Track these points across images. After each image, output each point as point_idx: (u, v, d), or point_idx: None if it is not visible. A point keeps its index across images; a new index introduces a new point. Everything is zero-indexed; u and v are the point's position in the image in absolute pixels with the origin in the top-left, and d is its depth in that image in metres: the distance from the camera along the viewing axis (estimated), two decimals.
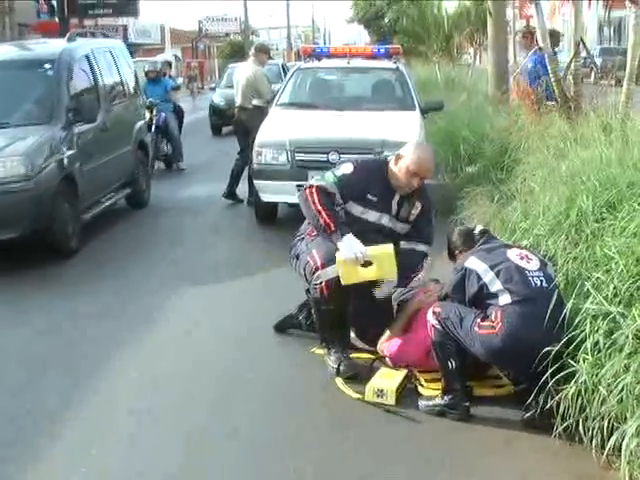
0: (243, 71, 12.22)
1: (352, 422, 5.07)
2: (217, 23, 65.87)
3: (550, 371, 4.43)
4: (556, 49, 11.14)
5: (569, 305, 4.65)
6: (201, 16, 66.10)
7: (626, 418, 3.98)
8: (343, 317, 5.71)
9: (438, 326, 5.00)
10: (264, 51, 12.59)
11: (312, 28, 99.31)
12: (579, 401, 4.29)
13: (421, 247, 5.89)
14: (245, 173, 11.76)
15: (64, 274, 8.40)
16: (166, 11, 61.15)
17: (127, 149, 11.42)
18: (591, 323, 4.40)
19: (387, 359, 5.67)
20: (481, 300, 4.94)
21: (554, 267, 5.30)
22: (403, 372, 5.41)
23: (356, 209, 5.73)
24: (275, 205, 10.46)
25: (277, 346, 6.31)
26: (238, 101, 12.17)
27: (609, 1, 9.34)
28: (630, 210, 5.30)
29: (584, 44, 10.72)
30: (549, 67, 10.25)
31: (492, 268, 4.95)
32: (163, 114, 15.54)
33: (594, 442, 4.18)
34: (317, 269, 5.52)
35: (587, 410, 4.25)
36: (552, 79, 10.13)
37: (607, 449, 4.04)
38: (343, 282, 5.40)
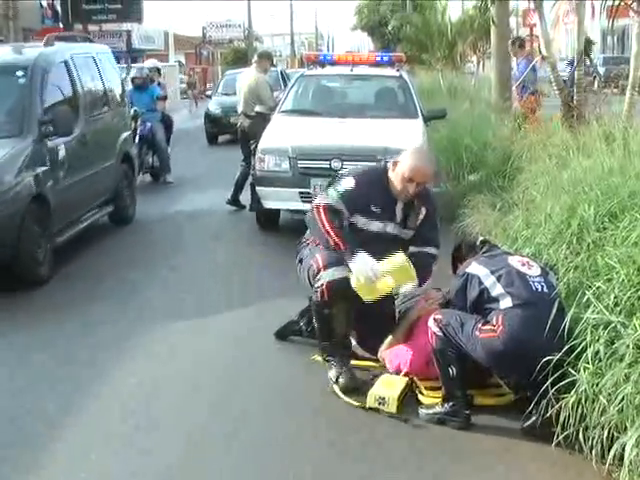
0: (245, 78, 12.23)
1: (352, 427, 5.07)
2: (221, 29, 65.89)
3: (551, 380, 4.43)
4: (591, 56, 11.21)
5: (570, 314, 4.65)
6: (205, 22, 66.19)
7: (626, 428, 3.98)
8: (344, 324, 5.67)
9: (439, 333, 5.00)
10: (267, 58, 12.61)
11: (316, 35, 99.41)
12: (579, 410, 4.29)
13: (430, 250, 5.90)
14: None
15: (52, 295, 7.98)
16: (170, 17, 61.42)
17: (110, 163, 10.57)
18: (592, 332, 4.40)
19: (388, 367, 5.66)
20: (482, 305, 4.95)
21: (555, 276, 5.30)
22: (405, 380, 5.40)
23: (360, 221, 5.72)
24: (277, 212, 10.46)
25: (277, 352, 6.31)
26: (240, 108, 12.19)
27: (613, 10, 9.31)
28: (632, 220, 5.29)
29: (587, 53, 10.72)
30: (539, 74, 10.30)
31: (493, 273, 4.97)
32: (149, 124, 14.56)
33: (594, 452, 4.17)
34: (319, 270, 5.51)
35: (587, 419, 4.25)
36: (555, 88, 10.14)
37: (608, 459, 4.04)
38: (365, 299, 5.40)
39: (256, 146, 10.77)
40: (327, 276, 5.47)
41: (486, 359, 4.88)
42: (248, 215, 11.19)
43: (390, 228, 5.80)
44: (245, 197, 11.73)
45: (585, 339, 4.40)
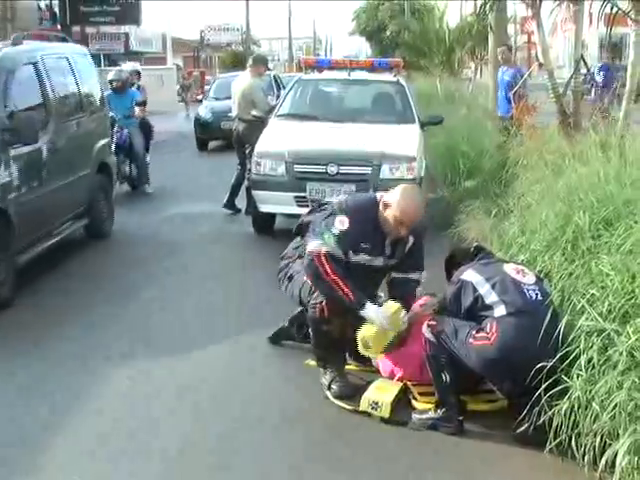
0: (240, 82, 12.20)
1: (344, 432, 5.08)
2: (219, 33, 66.03)
3: (544, 386, 4.43)
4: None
5: (564, 321, 4.66)
6: (203, 26, 66.30)
7: (619, 435, 3.98)
8: (341, 338, 5.61)
9: (433, 339, 5.00)
10: (262, 63, 12.52)
11: (314, 39, 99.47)
12: (572, 417, 4.29)
13: (413, 275, 5.87)
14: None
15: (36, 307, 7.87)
16: (168, 20, 61.19)
17: (84, 172, 9.76)
18: (585, 339, 4.41)
19: (382, 372, 5.66)
20: (476, 312, 4.95)
21: (550, 283, 5.31)
22: (398, 385, 5.41)
23: (349, 255, 5.59)
24: (273, 215, 10.47)
25: (271, 356, 6.32)
26: (235, 112, 12.18)
27: (611, 19, 9.33)
28: (627, 227, 5.31)
29: (584, 61, 10.75)
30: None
31: (488, 280, 4.97)
32: (125, 131, 13.71)
33: (586, 458, 4.17)
34: None
35: (580, 426, 4.25)
36: (551, 94, 10.16)
37: (600, 466, 4.04)
38: (374, 351, 5.40)
39: (251, 150, 10.79)
40: None
41: (479, 366, 4.88)
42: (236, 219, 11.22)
43: (378, 262, 5.73)
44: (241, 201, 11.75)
45: (579, 346, 4.41)
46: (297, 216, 9.62)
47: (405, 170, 9.68)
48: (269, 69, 21.33)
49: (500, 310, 4.84)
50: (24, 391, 5.67)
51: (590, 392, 4.22)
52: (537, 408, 4.49)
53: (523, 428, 4.69)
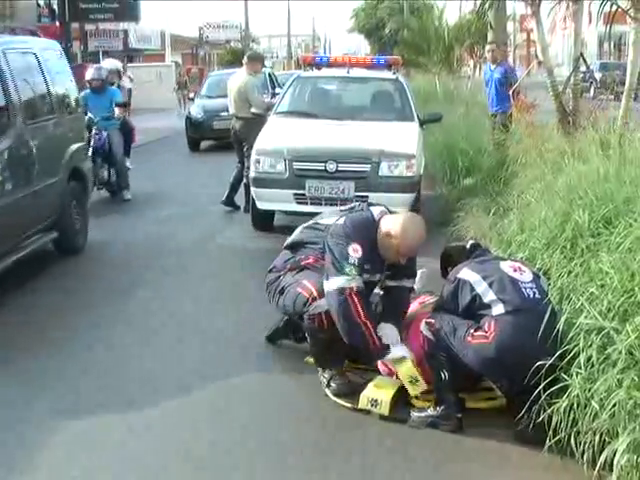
0: (236, 80, 12.18)
1: (343, 429, 5.07)
2: (218, 30, 65.92)
3: (543, 385, 4.42)
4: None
5: (563, 319, 4.65)
6: (202, 23, 66.21)
7: (618, 433, 3.97)
8: (339, 345, 5.54)
9: (431, 337, 5.00)
10: (257, 60, 12.47)
11: (312, 37, 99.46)
12: (571, 415, 4.28)
13: (407, 283, 5.83)
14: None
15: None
16: (167, 17, 61.31)
17: (54, 180, 8.72)
18: (585, 338, 4.40)
19: (381, 369, 5.65)
20: (474, 311, 4.94)
21: (548, 281, 5.30)
22: (398, 383, 5.40)
23: None
24: (272, 213, 10.46)
25: (270, 354, 6.31)
26: (231, 110, 12.18)
27: (610, 17, 9.33)
28: (626, 226, 5.30)
29: (584, 59, 10.75)
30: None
31: (485, 279, 4.96)
32: (104, 133, 12.61)
33: (585, 457, 4.16)
34: (314, 299, 5.44)
35: (579, 424, 4.25)
36: (551, 92, 10.16)
37: (598, 464, 4.04)
38: (409, 383, 5.30)
39: (249, 148, 10.80)
40: (326, 305, 5.38)
41: (478, 365, 4.87)
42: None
43: (375, 277, 5.73)
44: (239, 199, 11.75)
45: (578, 344, 4.40)
46: (296, 213, 9.77)
47: (404, 168, 9.69)
48: (265, 66, 21.11)
49: (498, 309, 4.84)
50: None
51: (589, 390, 4.21)
52: (536, 406, 4.49)
53: (522, 426, 4.69)
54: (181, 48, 62.68)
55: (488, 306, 4.88)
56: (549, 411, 4.39)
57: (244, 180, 11.46)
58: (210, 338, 6.65)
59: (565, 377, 4.38)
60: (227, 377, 5.87)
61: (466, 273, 5.06)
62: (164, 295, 7.87)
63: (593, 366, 4.28)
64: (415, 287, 6.02)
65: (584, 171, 6.96)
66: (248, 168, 10.89)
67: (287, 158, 9.79)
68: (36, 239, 8.49)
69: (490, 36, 17.06)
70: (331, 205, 8.97)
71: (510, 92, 11.73)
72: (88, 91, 12.67)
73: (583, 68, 11.15)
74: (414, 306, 5.92)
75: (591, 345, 4.34)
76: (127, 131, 13.55)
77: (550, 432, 4.36)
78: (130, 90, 33.21)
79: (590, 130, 8.27)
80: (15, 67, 8.27)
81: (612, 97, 11.22)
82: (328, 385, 5.51)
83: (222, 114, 17.94)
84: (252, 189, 10.20)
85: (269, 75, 22.76)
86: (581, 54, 10.60)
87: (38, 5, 35.23)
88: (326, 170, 9.60)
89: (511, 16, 29.77)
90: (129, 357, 6.26)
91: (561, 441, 4.34)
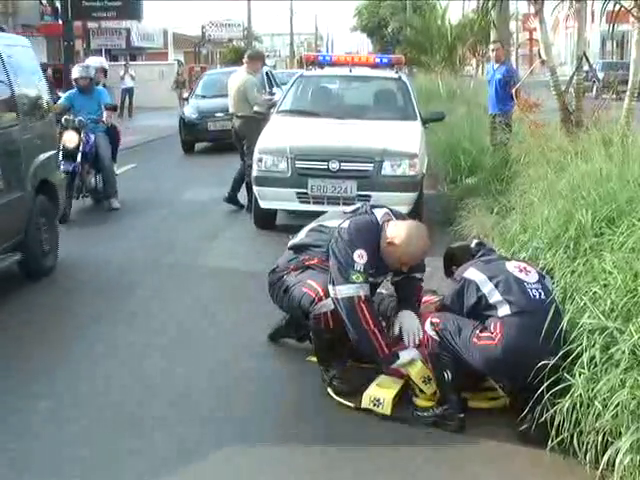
0: (235, 78, 12.16)
1: (345, 428, 5.06)
2: (220, 29, 65.89)
3: (546, 384, 4.42)
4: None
5: (566, 319, 4.65)
6: (204, 21, 66.20)
7: (620, 433, 3.97)
8: (343, 343, 5.54)
9: (436, 337, 4.99)
10: (257, 59, 12.42)
11: (315, 36, 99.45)
12: (574, 415, 4.28)
13: (417, 275, 5.78)
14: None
15: None
16: (170, 15, 61.32)
17: (18, 195, 7.72)
18: (588, 337, 4.40)
19: (383, 368, 5.65)
20: (479, 311, 4.93)
21: (552, 280, 5.29)
22: (400, 382, 5.39)
23: None
24: (274, 212, 10.46)
25: (272, 353, 6.31)
26: (231, 109, 12.17)
27: (613, 15, 9.33)
28: (629, 225, 5.30)
29: (587, 58, 10.74)
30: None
31: (491, 279, 4.94)
32: (92, 136, 11.64)
33: (588, 456, 4.17)
34: (320, 299, 5.41)
35: (582, 424, 4.24)
36: (553, 92, 10.15)
37: (601, 464, 4.03)
38: (423, 384, 5.29)
39: (249, 146, 10.82)
40: (332, 305, 5.35)
41: (483, 366, 4.87)
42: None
43: (380, 279, 5.76)
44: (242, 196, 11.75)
45: (581, 344, 4.40)
46: (299, 212, 9.77)
47: (407, 167, 9.69)
48: (266, 65, 20.82)
49: (504, 310, 4.83)
50: None
51: (592, 390, 4.21)
52: (539, 406, 4.48)
53: (525, 426, 4.69)
54: (183, 46, 62.77)
55: (494, 307, 4.87)
56: (552, 411, 4.39)
57: (246, 179, 11.46)
58: (211, 337, 6.65)
59: (568, 377, 4.38)
60: (228, 376, 5.86)
61: (472, 273, 5.05)
62: (164, 295, 7.86)
63: (596, 366, 4.28)
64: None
65: (587, 171, 6.96)
66: (249, 167, 10.91)
67: (290, 157, 9.79)
68: None
69: (493, 35, 17.05)
70: (334, 204, 8.98)
71: (513, 92, 11.71)
72: (74, 91, 11.96)
73: (586, 67, 11.12)
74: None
75: (594, 345, 4.34)
76: (114, 135, 12.53)
77: (553, 432, 4.36)
78: (132, 89, 33.25)
79: (593, 130, 8.26)
80: None
81: (614, 96, 11.22)
82: (330, 384, 5.50)
83: (218, 115, 17.73)
84: (254, 188, 10.20)
85: (267, 74, 21.94)
86: (584, 53, 10.59)
87: (41, 3, 35.24)
88: (329, 169, 9.61)
89: (514, 15, 29.76)
90: (129, 358, 6.25)
91: (564, 441, 4.34)
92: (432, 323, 5.05)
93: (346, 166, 9.63)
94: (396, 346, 5.43)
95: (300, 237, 5.92)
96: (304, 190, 9.69)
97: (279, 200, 10.04)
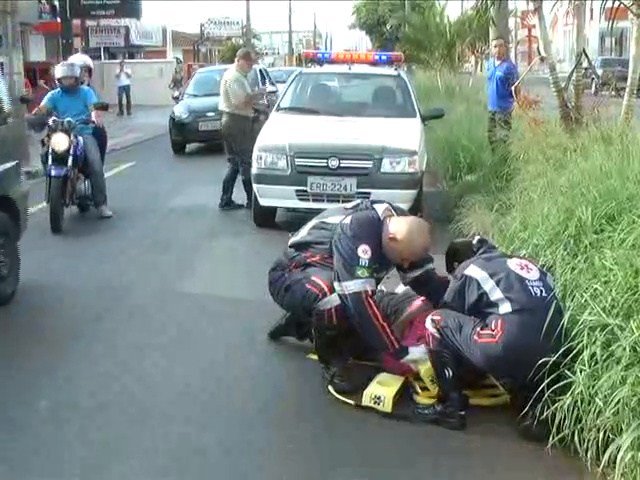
0: (225, 76, 12.15)
1: (346, 426, 5.05)
2: (219, 26, 65.92)
3: (547, 381, 4.42)
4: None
5: (567, 316, 4.65)
6: (203, 19, 66.21)
7: (622, 430, 3.97)
8: (345, 340, 5.57)
9: (436, 334, 4.99)
10: (246, 58, 12.27)
11: (314, 33, 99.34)
12: (575, 412, 4.28)
13: (430, 266, 5.77)
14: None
15: None
16: (168, 13, 61.47)
17: None
18: (589, 334, 4.40)
19: (384, 366, 5.65)
20: (480, 309, 4.93)
21: (553, 277, 5.29)
22: (400, 380, 5.39)
23: None
24: (274, 209, 10.46)
25: (273, 350, 6.30)
26: (220, 106, 12.13)
27: (612, 12, 9.32)
28: (629, 222, 5.31)
29: (586, 55, 10.73)
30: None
31: (492, 276, 4.94)
32: (80, 139, 10.79)
33: (589, 454, 4.17)
34: (324, 295, 5.40)
35: (583, 421, 4.25)
36: (553, 88, 10.14)
37: (602, 461, 4.03)
38: (430, 382, 5.29)
39: (237, 144, 11.11)
40: (336, 300, 5.36)
41: (484, 363, 4.86)
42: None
43: (382, 274, 5.77)
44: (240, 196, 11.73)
45: (582, 341, 4.40)
46: (298, 210, 9.77)
47: (406, 164, 9.69)
48: (257, 63, 20.54)
49: (505, 307, 4.82)
50: None
51: (593, 387, 4.21)
52: (540, 403, 4.48)
53: (526, 423, 4.70)
54: (182, 44, 62.74)
55: (495, 304, 4.86)
56: (553, 408, 4.39)
57: (241, 177, 11.45)
58: (210, 336, 6.64)
59: (569, 374, 4.38)
60: (228, 374, 5.86)
61: (473, 270, 5.04)
62: (162, 294, 7.84)
63: (597, 363, 4.28)
64: (399, 291, 6.07)
65: (587, 167, 6.95)
66: (242, 164, 11.02)
67: (289, 154, 9.79)
68: None
69: (492, 32, 17.03)
70: (333, 202, 8.96)
71: (512, 89, 11.70)
72: (57, 91, 11.08)
73: (585, 64, 11.11)
74: (416, 304, 5.90)
75: (595, 342, 4.35)
76: (101, 137, 11.63)
77: (554, 429, 4.37)
78: (128, 87, 33.19)
79: (592, 126, 8.26)
80: None
81: (613, 93, 11.22)
82: (331, 382, 5.50)
83: (209, 114, 17.28)
84: (254, 185, 10.19)
85: (261, 71, 21.84)
86: (583, 50, 10.59)
87: (39, 1, 35.22)
88: (328, 166, 9.60)
89: (513, 12, 29.74)
90: (129, 358, 6.24)
91: (565, 438, 4.35)
92: (433, 320, 5.04)
93: (345, 163, 9.63)
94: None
95: (302, 235, 5.91)
96: (304, 188, 9.69)
97: (278, 198, 10.03)
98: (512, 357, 4.70)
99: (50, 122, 10.57)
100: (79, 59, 13.28)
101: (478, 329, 4.84)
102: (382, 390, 5.25)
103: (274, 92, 18.82)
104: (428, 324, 5.07)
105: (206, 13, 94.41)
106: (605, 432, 4.09)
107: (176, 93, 22.60)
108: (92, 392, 5.52)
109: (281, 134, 10.34)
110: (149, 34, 51.83)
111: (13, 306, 7.33)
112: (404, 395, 5.31)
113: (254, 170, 10.09)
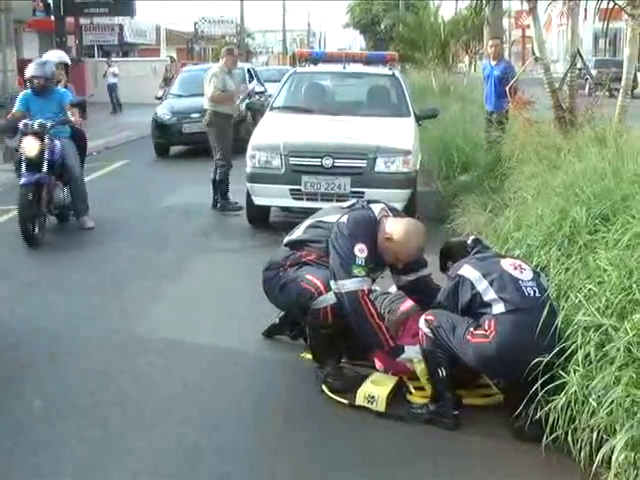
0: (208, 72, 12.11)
1: (340, 426, 5.05)
2: (213, 25, 65.92)
3: (540, 382, 4.42)
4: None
5: (561, 316, 4.66)
6: (197, 17, 66.19)
7: (615, 431, 3.96)
8: (339, 340, 5.59)
9: (430, 334, 4.98)
10: (230, 54, 12.19)
11: (308, 32, 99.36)
12: (569, 412, 4.27)
13: (424, 271, 5.78)
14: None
15: None
16: (162, 12, 61.34)
17: None
18: (583, 335, 4.40)
19: (377, 366, 5.65)
20: (474, 309, 4.93)
21: (546, 278, 5.29)
22: (394, 379, 5.39)
23: None
24: (268, 208, 10.45)
25: (266, 349, 6.29)
26: (204, 104, 12.03)
27: (606, 13, 9.34)
28: (624, 222, 5.30)
29: (580, 55, 10.74)
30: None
31: (485, 277, 4.94)
32: (58, 143, 9.85)
33: (583, 454, 4.16)
34: (320, 293, 5.38)
35: (577, 421, 4.24)
36: (547, 89, 10.15)
37: (596, 461, 4.03)
38: (426, 381, 5.28)
39: (215, 142, 11.29)
40: (332, 299, 5.36)
41: (477, 363, 4.86)
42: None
43: (378, 274, 5.77)
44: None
45: (576, 341, 4.40)
46: (292, 209, 9.77)
47: (400, 164, 9.69)
48: (250, 62, 20.33)
49: (498, 308, 4.82)
50: None
51: (587, 387, 4.21)
52: (534, 403, 4.48)
53: (520, 423, 4.69)
54: (176, 43, 62.76)
55: (488, 304, 4.86)
56: (546, 408, 4.38)
57: (211, 176, 11.52)
58: (206, 335, 6.61)
59: (563, 374, 4.38)
60: (223, 374, 5.86)
61: (467, 270, 5.04)
62: (157, 293, 7.84)
63: (591, 363, 4.27)
64: (392, 290, 6.08)
65: (581, 168, 6.96)
66: (216, 161, 11.33)
67: (283, 153, 9.77)
68: None
69: (486, 32, 17.06)
70: (327, 201, 8.95)
71: (507, 89, 11.70)
72: (29, 91, 10.04)
73: (579, 64, 11.13)
74: (409, 303, 5.90)
75: (589, 342, 4.34)
76: (80, 139, 10.76)
77: (547, 429, 4.36)
78: (115, 84, 33.10)
79: (587, 127, 8.26)
80: None
81: (607, 94, 11.23)
82: (325, 381, 5.49)
83: (193, 115, 16.54)
84: (248, 184, 10.15)
85: (249, 70, 21.42)
86: (578, 50, 10.59)
87: None
88: (322, 166, 9.59)
89: (507, 12, 29.82)
90: (125, 357, 6.23)
91: (558, 438, 4.34)
92: (426, 320, 5.04)
93: (340, 163, 9.62)
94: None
95: (297, 233, 5.90)
96: (298, 187, 9.67)
97: (272, 197, 10.02)
98: (505, 357, 4.69)
99: (20, 125, 9.65)
100: (54, 55, 12.17)
101: (471, 329, 4.83)
102: (376, 389, 5.25)
103: (262, 92, 18.66)
104: (421, 324, 5.07)
105: (200, 12, 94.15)
106: (599, 432, 4.08)
107: (160, 93, 21.74)
108: (90, 392, 5.51)
109: (275, 133, 10.33)
110: (143, 32, 51.83)
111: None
112: (398, 395, 5.31)
113: (248, 169, 10.07)
